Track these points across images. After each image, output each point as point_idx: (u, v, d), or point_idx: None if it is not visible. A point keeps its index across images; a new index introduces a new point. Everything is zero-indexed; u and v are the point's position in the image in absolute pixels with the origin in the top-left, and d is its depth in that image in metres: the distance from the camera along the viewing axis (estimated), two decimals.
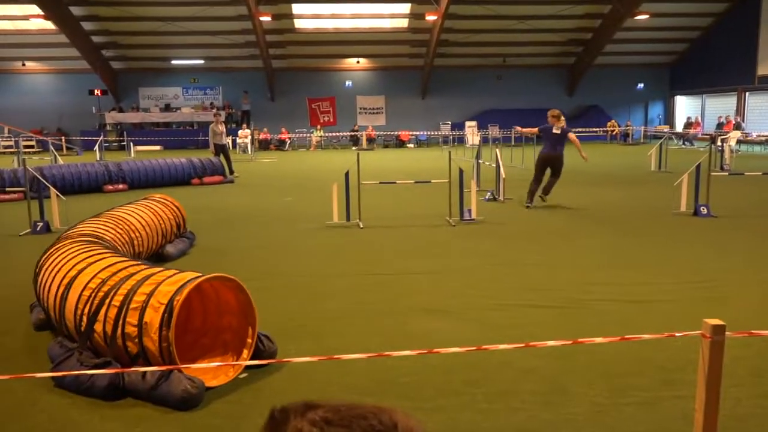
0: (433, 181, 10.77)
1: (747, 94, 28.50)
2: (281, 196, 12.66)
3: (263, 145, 29.47)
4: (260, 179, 16.25)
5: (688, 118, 30.40)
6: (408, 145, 30.74)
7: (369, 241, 8.03)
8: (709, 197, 9.56)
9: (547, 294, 5.54)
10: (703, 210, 9.39)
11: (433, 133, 30.72)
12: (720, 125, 26.61)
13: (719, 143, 18.80)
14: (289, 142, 29.92)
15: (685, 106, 33.90)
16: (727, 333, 2.36)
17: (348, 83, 32.45)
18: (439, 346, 4.26)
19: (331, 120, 32.20)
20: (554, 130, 10.43)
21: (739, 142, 23.08)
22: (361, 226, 8.92)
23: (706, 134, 27.36)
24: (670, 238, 7.97)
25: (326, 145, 30.71)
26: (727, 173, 13.37)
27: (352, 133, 30.73)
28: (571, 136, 10.40)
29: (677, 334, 2.46)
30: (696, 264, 6.56)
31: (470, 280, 6.04)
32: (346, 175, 9.11)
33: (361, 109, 32.72)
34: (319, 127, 31.24)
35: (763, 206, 10.29)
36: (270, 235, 8.47)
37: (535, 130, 11.21)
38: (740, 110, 28.35)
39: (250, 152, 25.23)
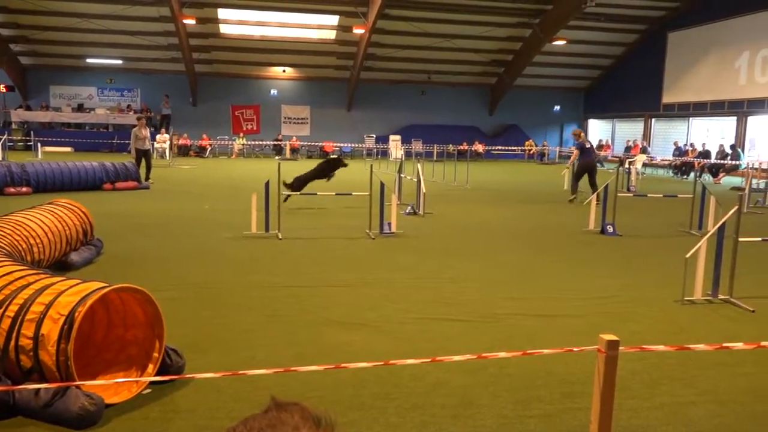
0: (354, 193, 10.80)
1: (653, 120, 30.37)
2: (199, 204, 12.34)
3: (183, 151, 28.66)
4: (177, 186, 15.78)
5: (600, 140, 32.03)
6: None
7: (287, 252, 7.94)
8: (615, 216, 10.08)
9: (461, 308, 5.66)
10: (610, 228, 9.90)
11: (357, 145, 30.88)
12: (628, 148, 28.19)
13: (627, 165, 19.89)
14: (210, 149, 29.25)
15: (597, 129, 35.70)
16: (620, 348, 2.49)
17: (273, 92, 32.14)
18: (352, 359, 4.26)
19: (255, 128, 31.76)
20: (587, 145, 14.23)
21: (644, 165, 24.50)
22: (280, 237, 8.81)
23: (616, 156, 28.89)
24: (579, 254, 8.34)
25: (249, 154, 30.23)
26: (632, 194, 14.15)
27: (276, 143, 30.41)
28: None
29: (575, 349, 2.57)
30: (601, 280, 6.88)
31: (387, 293, 6.08)
32: (266, 184, 9.00)
33: (285, 118, 32.46)
34: (242, 134, 30.72)
35: (663, 226, 10.96)
36: (184, 244, 8.22)
37: (577, 152, 14.42)
38: (646, 135, 30.16)
39: (168, 158, 24.46)
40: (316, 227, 9.91)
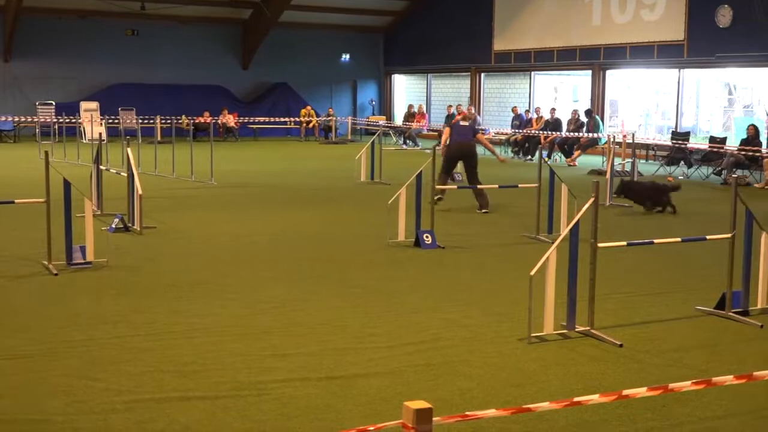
0: (19, 201, 10.21)
1: (482, 75, 32.77)
2: None
3: None
4: None
5: (410, 106, 33.76)
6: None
7: None
8: (434, 220, 10.72)
9: (206, 377, 5.65)
10: (427, 239, 10.49)
11: (24, 119, 29.22)
12: (450, 117, 30.07)
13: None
14: None
15: (405, 89, 37.61)
16: (436, 418, 2.65)
17: None
18: None
19: None
20: (462, 122, 14.81)
21: None
22: None
23: (434, 130, 30.66)
24: (385, 281, 8.73)
25: None
26: (456, 186, 15.15)
27: None
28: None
29: (371, 428, 2.69)
30: (416, 316, 7.28)
31: (81, 364, 5.88)
32: None
33: None
34: None
35: (501, 230, 11.91)
36: None
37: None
38: (474, 97, 32.44)
39: None
40: None
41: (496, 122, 30.66)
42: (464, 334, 6.80)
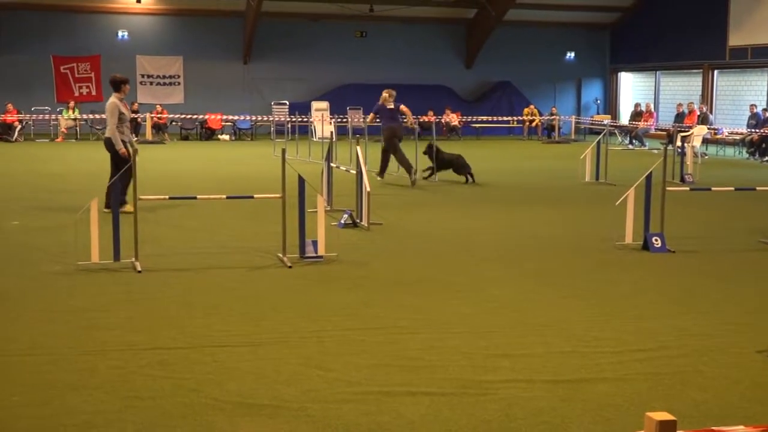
0: (258, 196, 10.73)
1: (716, 72, 31.28)
2: (4, 219, 12.06)
3: None
4: None
5: (637, 105, 32.72)
6: (221, 137, 30.47)
7: (151, 293, 7.88)
8: (665, 223, 10.34)
9: (429, 374, 5.69)
10: (656, 242, 10.13)
11: (261, 118, 30.69)
12: (680, 116, 28.95)
13: (679, 143, 20.42)
14: (19, 127, 28.59)
15: (632, 88, 36.50)
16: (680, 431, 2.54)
17: (122, 34, 31.66)
18: None
19: (94, 93, 31.19)
20: (389, 105, 17.48)
21: (705, 141, 25.17)
22: (139, 268, 8.70)
23: (662, 129, 29.60)
24: (611, 284, 8.50)
25: (85, 134, 29.69)
26: (688, 188, 14.57)
27: (130, 116, 29.95)
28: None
29: None
30: (645, 322, 7.02)
31: (314, 355, 6.07)
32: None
33: (144, 77, 32.02)
34: (72, 104, 30.16)
35: (736, 235, 11.30)
36: None
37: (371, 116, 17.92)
38: (707, 96, 31.04)
39: None
40: (197, 251, 9.82)
41: (730, 121, 29.19)
42: (696, 343, 6.49)
